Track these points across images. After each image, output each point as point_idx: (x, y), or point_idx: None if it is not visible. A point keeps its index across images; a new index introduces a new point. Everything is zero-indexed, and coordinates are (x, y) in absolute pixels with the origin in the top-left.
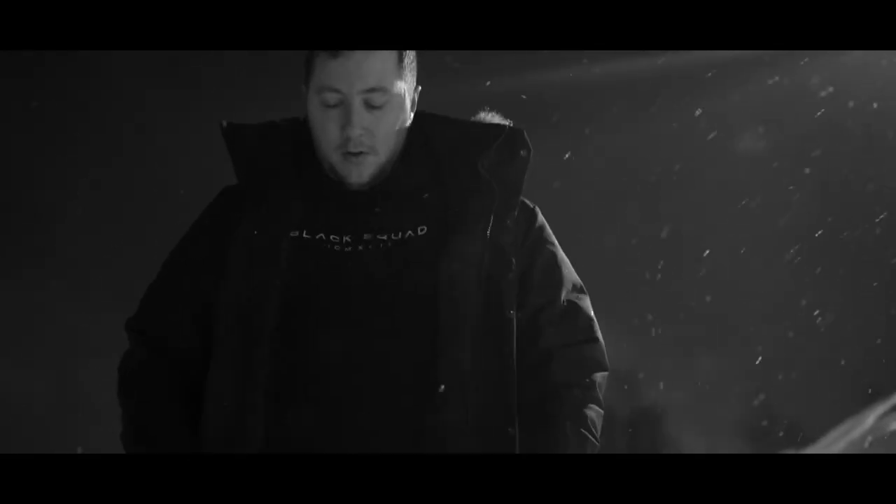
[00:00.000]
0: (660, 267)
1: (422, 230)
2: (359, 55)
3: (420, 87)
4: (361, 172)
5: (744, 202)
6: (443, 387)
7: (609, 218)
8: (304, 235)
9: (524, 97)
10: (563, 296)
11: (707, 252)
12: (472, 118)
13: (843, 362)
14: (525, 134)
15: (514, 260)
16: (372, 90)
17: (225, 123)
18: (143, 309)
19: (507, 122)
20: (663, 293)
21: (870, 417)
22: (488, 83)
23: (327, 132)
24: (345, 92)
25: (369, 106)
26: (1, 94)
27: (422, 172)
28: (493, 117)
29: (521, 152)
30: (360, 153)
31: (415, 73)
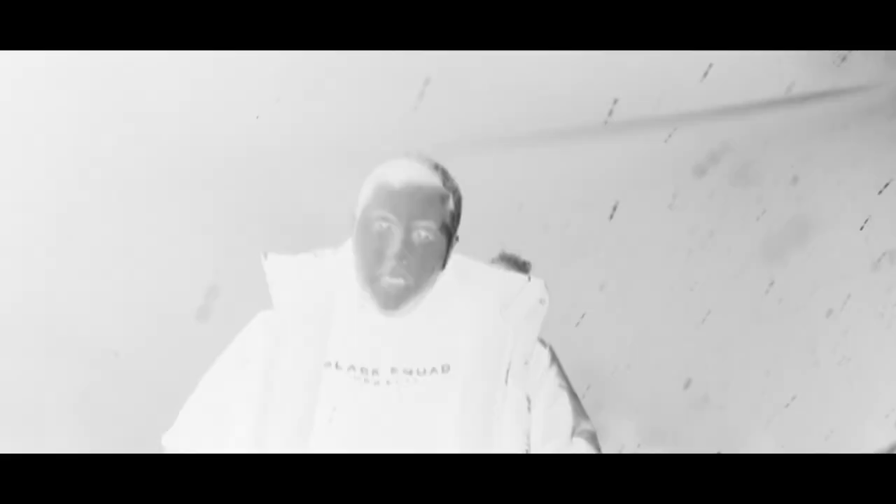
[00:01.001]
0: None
1: (445, 368)
2: (412, 189)
3: (458, 238)
4: (390, 301)
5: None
6: None
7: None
8: (336, 368)
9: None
10: (571, 434)
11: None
12: (492, 260)
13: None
14: (544, 285)
15: (530, 401)
16: (420, 224)
17: (266, 255)
18: (178, 430)
19: (524, 263)
20: (663, 297)
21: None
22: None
23: (369, 257)
24: (394, 221)
25: (415, 239)
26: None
27: (450, 311)
28: (508, 259)
29: (540, 303)
30: (397, 283)
31: (459, 221)
